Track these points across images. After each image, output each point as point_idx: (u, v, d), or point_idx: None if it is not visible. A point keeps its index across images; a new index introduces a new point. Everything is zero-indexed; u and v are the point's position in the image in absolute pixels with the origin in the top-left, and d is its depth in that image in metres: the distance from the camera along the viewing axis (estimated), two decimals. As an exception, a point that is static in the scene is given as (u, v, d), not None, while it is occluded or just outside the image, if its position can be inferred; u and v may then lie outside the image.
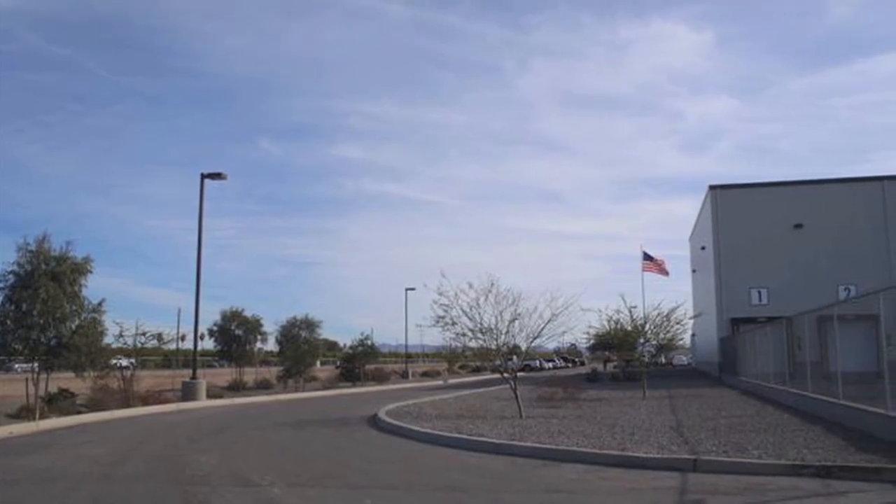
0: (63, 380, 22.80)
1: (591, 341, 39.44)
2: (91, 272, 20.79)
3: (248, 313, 38.21)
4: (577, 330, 25.18)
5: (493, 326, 18.07)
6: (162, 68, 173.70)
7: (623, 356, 38.73)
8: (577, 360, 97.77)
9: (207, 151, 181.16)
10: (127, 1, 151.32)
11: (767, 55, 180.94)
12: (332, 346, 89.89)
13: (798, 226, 41.19)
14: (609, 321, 27.58)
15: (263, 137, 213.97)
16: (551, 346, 29.23)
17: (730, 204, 43.48)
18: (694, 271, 59.72)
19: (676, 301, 27.46)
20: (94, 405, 21.00)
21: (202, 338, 37.38)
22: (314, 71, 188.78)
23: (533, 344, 19.35)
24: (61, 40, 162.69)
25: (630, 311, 27.46)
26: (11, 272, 19.56)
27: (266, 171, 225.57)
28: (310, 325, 39.25)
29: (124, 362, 25.67)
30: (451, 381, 48.63)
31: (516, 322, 18.17)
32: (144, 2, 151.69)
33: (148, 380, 29.79)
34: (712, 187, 44.72)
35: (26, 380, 19.67)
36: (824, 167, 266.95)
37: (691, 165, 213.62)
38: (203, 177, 28.59)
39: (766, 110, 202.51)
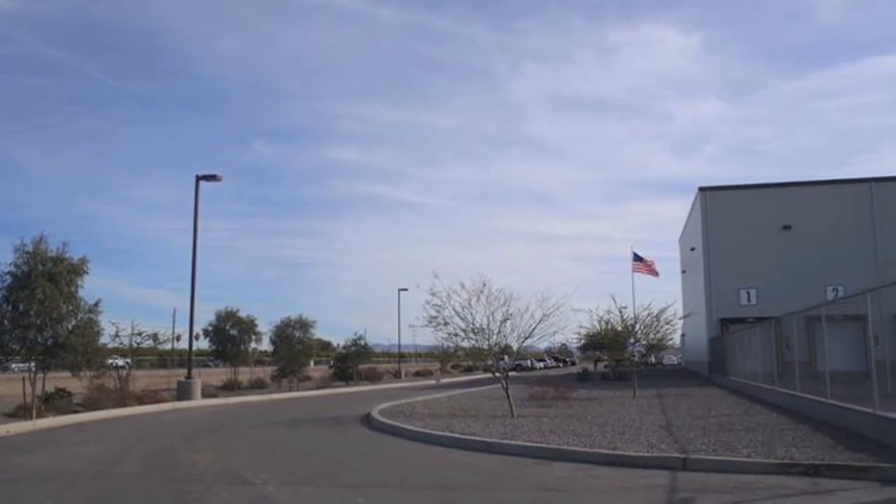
0: (60, 379, 22.80)
1: (582, 341, 39.50)
2: (87, 273, 20.89)
3: (242, 314, 38.23)
4: (568, 330, 25.32)
5: (484, 326, 18.18)
6: (157, 71, 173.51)
7: (613, 356, 38.90)
8: (567, 359, 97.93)
9: (202, 153, 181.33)
10: (122, 5, 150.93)
11: (755, 58, 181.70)
12: (325, 346, 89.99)
13: (786, 227, 41.40)
14: (599, 321, 27.63)
15: (257, 140, 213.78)
16: (542, 345, 29.30)
17: (719, 205, 43.68)
18: (683, 272, 59.92)
19: (666, 301, 27.65)
20: (90, 404, 21.05)
21: (197, 338, 37.48)
22: (307, 74, 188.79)
23: (524, 344, 19.42)
24: (58, 43, 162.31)
25: (620, 312, 27.57)
26: (8, 273, 19.62)
27: (260, 173, 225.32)
28: (304, 325, 39.38)
29: (120, 362, 25.81)
30: (444, 380, 48.80)
31: (508, 322, 18.28)
32: (139, 5, 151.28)
33: (144, 379, 29.90)
34: (702, 189, 44.92)
35: (23, 379, 19.71)
36: (812, 169, 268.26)
37: (681, 168, 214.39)
38: (198, 178, 28.52)
39: (755, 113, 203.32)
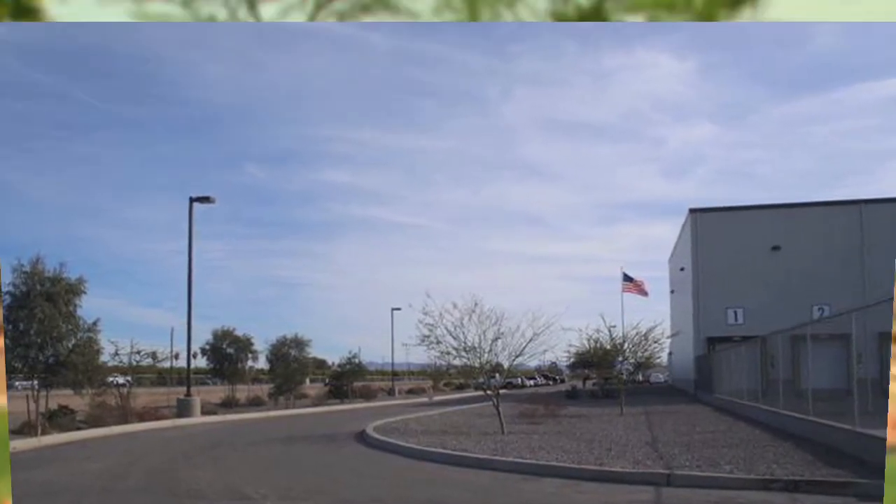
0: (62, 397, 23.03)
1: (572, 359, 39.94)
2: (85, 293, 21.02)
3: (238, 333, 38.15)
4: (558, 348, 25.55)
5: (476, 345, 18.50)
6: (147, 96, 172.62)
7: (602, 374, 39.06)
8: (557, 377, 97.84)
9: (195, 176, 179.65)
10: (110, 31, 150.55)
11: (749, 83, 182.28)
12: (320, 364, 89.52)
13: (776, 248, 41.56)
14: (589, 340, 27.77)
15: (250, 163, 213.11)
16: (533, 364, 29.71)
17: (709, 227, 43.71)
18: (672, 292, 59.99)
19: (654, 321, 27.77)
20: (92, 421, 21.26)
21: (195, 356, 37.60)
22: (298, 99, 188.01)
23: (515, 362, 19.76)
24: (46, 68, 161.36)
25: (609, 331, 27.79)
26: (7, 293, 19.85)
27: (254, 195, 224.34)
28: (299, 344, 39.39)
29: (121, 380, 26.04)
30: (436, 397, 48.87)
31: (499, 341, 18.64)
32: (127, 31, 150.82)
33: (144, 397, 30.18)
34: (692, 211, 45.00)
35: (27, 397, 19.82)
36: (804, 192, 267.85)
37: (672, 190, 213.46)
38: (191, 200, 28.50)
39: (747, 136, 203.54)
